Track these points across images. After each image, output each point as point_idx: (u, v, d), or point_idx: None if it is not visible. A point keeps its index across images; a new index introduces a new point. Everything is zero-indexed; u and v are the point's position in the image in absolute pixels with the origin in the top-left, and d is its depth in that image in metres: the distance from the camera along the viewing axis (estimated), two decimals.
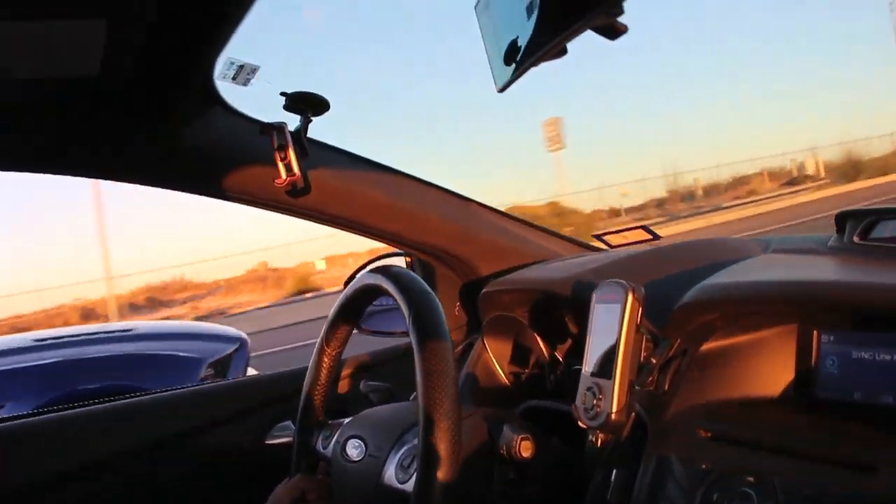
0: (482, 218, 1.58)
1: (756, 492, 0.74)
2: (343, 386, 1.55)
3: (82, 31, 0.94)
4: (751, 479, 0.76)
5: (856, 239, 1.03)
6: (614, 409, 0.91)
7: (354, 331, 1.58)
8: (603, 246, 1.58)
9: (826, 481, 0.71)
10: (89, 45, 0.98)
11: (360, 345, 1.66)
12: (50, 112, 1.13)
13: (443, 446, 0.85)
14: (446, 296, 1.60)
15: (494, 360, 1.44)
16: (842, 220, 1.07)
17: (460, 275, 1.60)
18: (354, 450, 1.06)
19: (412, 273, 1.03)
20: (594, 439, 0.94)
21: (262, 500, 1.17)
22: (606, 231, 1.61)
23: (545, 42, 0.74)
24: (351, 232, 1.48)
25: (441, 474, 0.85)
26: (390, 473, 0.99)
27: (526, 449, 0.94)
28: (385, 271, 1.04)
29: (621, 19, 0.66)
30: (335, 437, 1.13)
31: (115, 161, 1.24)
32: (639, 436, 0.92)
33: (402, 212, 1.47)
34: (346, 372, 1.56)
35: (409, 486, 0.91)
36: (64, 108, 1.14)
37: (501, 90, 0.90)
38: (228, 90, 1.25)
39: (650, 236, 1.58)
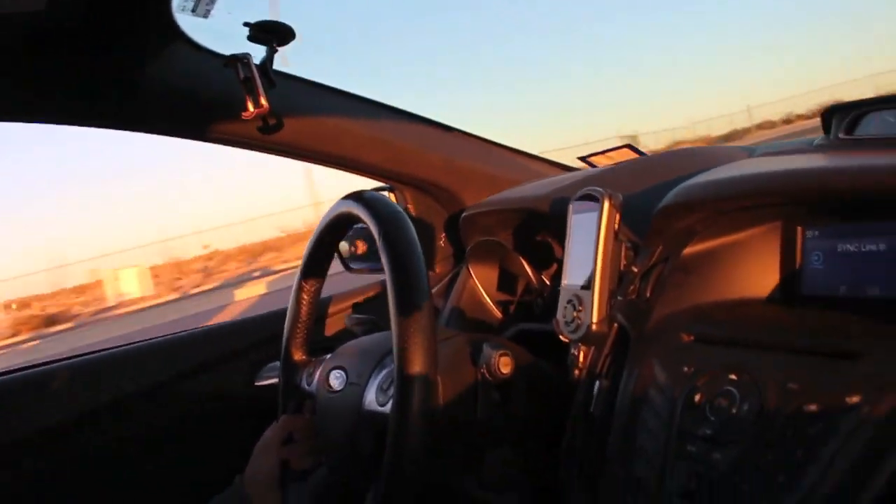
0: (464, 145, 1.54)
1: (738, 388, 0.72)
2: (330, 326, 1.53)
3: None
4: (733, 376, 0.74)
5: (841, 135, 0.99)
6: (595, 320, 0.89)
7: (345, 271, 1.58)
8: (589, 168, 1.54)
9: (809, 372, 0.68)
10: None
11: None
12: None
13: (418, 362, 0.83)
14: (431, 227, 1.58)
15: (481, 289, 1.42)
16: (828, 117, 1.03)
17: (445, 205, 1.56)
18: (336, 380, 1.04)
19: (383, 196, 1.00)
20: (576, 352, 0.92)
21: (254, 442, 1.16)
22: (592, 153, 1.57)
23: None
24: (327, 166, 1.44)
25: (418, 391, 0.83)
26: (371, 398, 0.97)
27: (505, 365, 0.92)
28: (355, 196, 1.01)
29: None
30: (318, 372, 1.11)
31: (73, 104, 1.20)
32: (622, 346, 0.90)
33: (380, 142, 1.43)
34: (333, 310, 1.54)
35: (389, 408, 0.89)
36: (13, 50, 1.09)
37: None
38: (189, 24, 1.20)
39: (637, 155, 1.54)
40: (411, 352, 0.83)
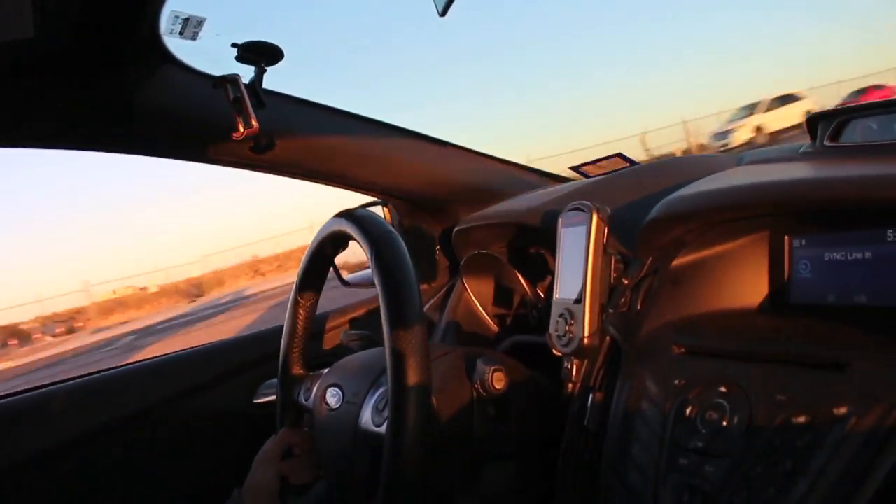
0: (455, 158, 1.55)
1: (728, 401, 0.73)
2: (328, 341, 1.53)
3: None
4: (723, 388, 0.74)
5: (827, 142, 0.99)
6: (586, 334, 0.90)
7: (341, 286, 1.58)
8: (580, 177, 1.54)
9: (797, 383, 0.69)
10: (17, 5, 0.94)
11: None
12: None
13: (412, 383, 0.83)
14: (425, 241, 1.58)
15: (477, 302, 1.42)
16: (813, 124, 1.04)
17: (438, 218, 1.57)
18: (333, 397, 1.05)
19: (374, 214, 1.00)
20: (569, 366, 0.93)
21: (253, 457, 1.16)
22: (583, 162, 1.58)
23: None
24: (319, 182, 1.45)
25: (412, 411, 0.83)
26: (367, 418, 0.97)
27: (498, 380, 0.92)
28: (347, 215, 1.02)
29: None
30: (315, 387, 1.12)
31: (66, 129, 1.21)
32: (614, 359, 0.91)
33: (371, 157, 1.44)
34: (331, 325, 1.54)
35: (385, 428, 0.89)
36: (4, 77, 1.10)
37: (443, 13, 0.87)
38: (178, 46, 1.21)
39: (628, 164, 1.55)
40: (405, 375, 0.84)
